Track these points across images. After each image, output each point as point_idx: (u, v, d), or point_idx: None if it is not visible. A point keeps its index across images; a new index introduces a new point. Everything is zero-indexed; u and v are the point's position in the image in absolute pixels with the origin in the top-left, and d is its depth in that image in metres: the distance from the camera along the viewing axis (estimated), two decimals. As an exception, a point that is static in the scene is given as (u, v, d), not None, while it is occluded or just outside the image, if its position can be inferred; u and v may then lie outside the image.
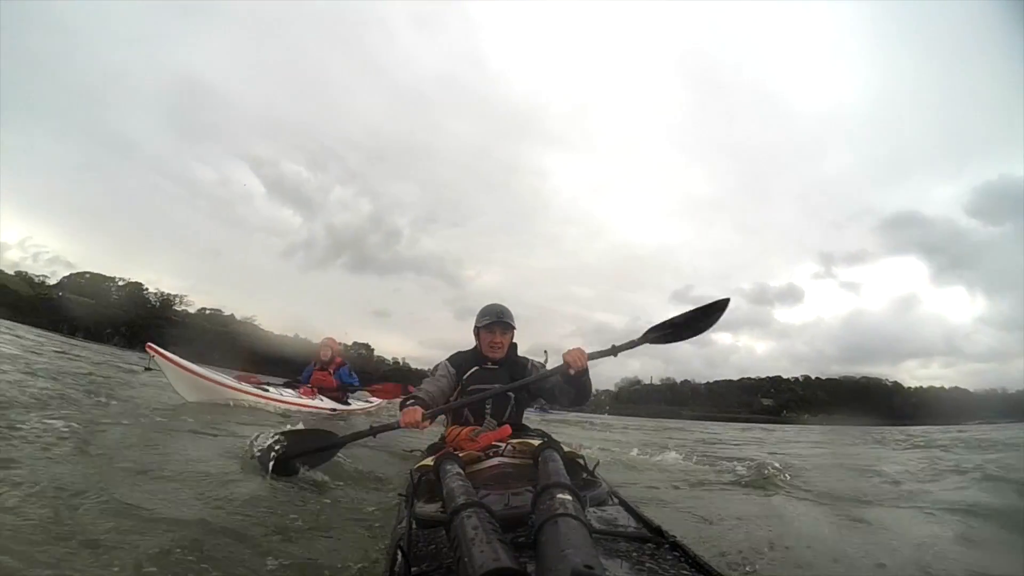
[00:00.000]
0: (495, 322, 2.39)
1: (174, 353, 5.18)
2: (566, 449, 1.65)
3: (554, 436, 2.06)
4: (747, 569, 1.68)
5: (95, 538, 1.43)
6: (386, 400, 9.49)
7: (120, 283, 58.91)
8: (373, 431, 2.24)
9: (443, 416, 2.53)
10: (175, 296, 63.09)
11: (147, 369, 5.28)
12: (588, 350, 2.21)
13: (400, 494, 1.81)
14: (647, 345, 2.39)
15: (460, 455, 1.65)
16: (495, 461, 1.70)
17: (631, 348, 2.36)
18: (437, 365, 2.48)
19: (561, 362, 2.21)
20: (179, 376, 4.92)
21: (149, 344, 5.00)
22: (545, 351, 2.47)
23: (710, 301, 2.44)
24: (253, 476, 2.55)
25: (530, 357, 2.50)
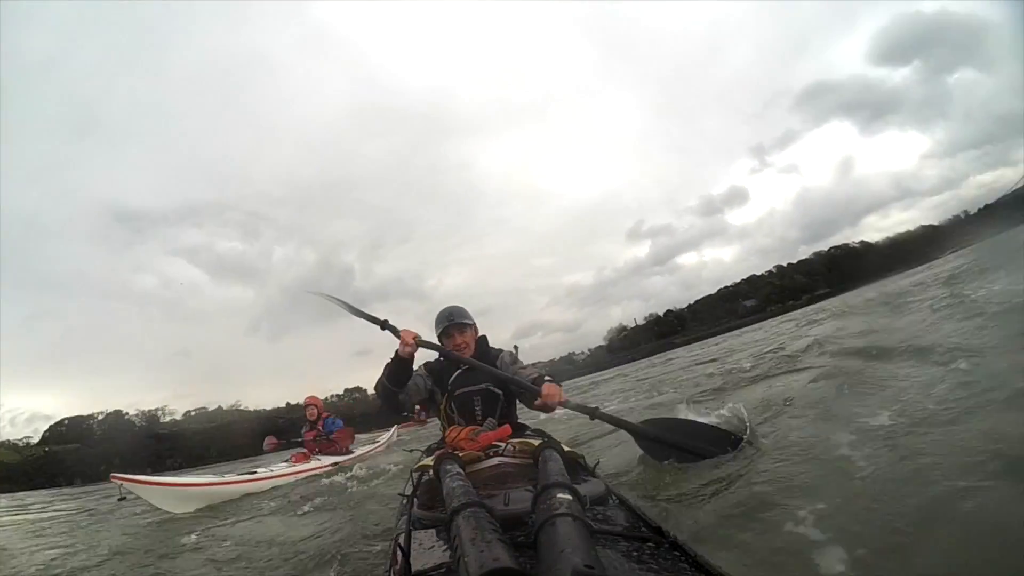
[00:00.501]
0: (449, 325, 2.41)
1: (174, 465, 4.93)
2: (566, 449, 1.64)
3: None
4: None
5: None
6: (384, 441, 9.46)
7: (100, 417, 57.92)
8: (384, 324, 2.44)
9: (442, 418, 2.53)
10: (157, 410, 62.28)
11: (121, 499, 5.10)
12: (569, 398, 2.08)
13: (400, 494, 1.81)
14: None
15: (460, 455, 1.64)
16: (495, 461, 1.70)
17: (614, 424, 2.18)
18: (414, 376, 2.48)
19: (529, 367, 2.29)
20: (157, 493, 4.72)
21: (113, 475, 4.82)
22: (515, 346, 2.51)
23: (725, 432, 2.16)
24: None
25: (502, 348, 2.52)
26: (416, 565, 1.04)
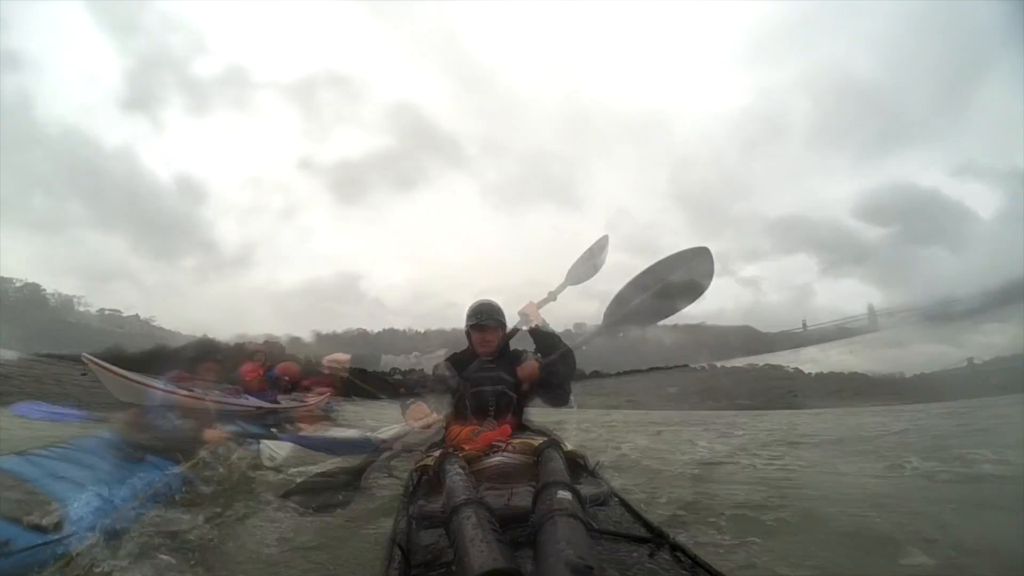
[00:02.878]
0: (479, 321, 2.44)
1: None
2: (567, 448, 1.64)
3: None
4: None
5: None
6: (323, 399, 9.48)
7: (18, 284, 54.82)
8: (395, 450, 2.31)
9: (451, 412, 2.54)
10: (73, 297, 58.81)
11: (83, 375, 6.58)
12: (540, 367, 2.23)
13: (400, 492, 1.81)
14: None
15: (461, 453, 1.64)
16: (496, 459, 1.70)
17: (586, 341, 2.32)
18: (436, 365, 2.49)
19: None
20: (111, 381, 5.53)
21: (83, 355, 5.64)
22: (537, 355, 2.51)
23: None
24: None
25: (525, 350, 2.53)
26: (416, 563, 1.04)
